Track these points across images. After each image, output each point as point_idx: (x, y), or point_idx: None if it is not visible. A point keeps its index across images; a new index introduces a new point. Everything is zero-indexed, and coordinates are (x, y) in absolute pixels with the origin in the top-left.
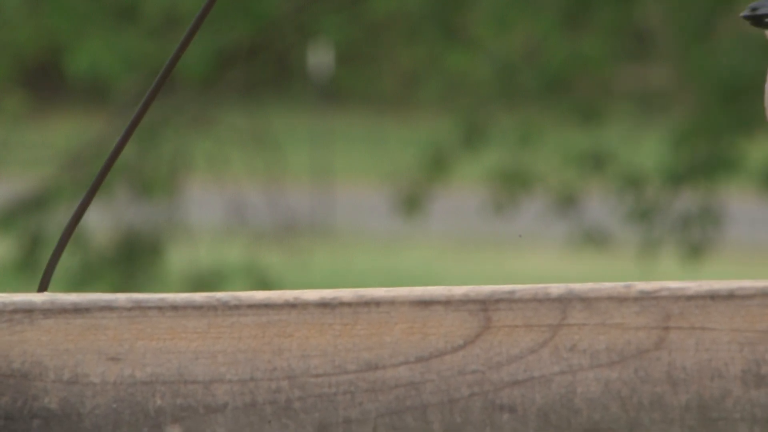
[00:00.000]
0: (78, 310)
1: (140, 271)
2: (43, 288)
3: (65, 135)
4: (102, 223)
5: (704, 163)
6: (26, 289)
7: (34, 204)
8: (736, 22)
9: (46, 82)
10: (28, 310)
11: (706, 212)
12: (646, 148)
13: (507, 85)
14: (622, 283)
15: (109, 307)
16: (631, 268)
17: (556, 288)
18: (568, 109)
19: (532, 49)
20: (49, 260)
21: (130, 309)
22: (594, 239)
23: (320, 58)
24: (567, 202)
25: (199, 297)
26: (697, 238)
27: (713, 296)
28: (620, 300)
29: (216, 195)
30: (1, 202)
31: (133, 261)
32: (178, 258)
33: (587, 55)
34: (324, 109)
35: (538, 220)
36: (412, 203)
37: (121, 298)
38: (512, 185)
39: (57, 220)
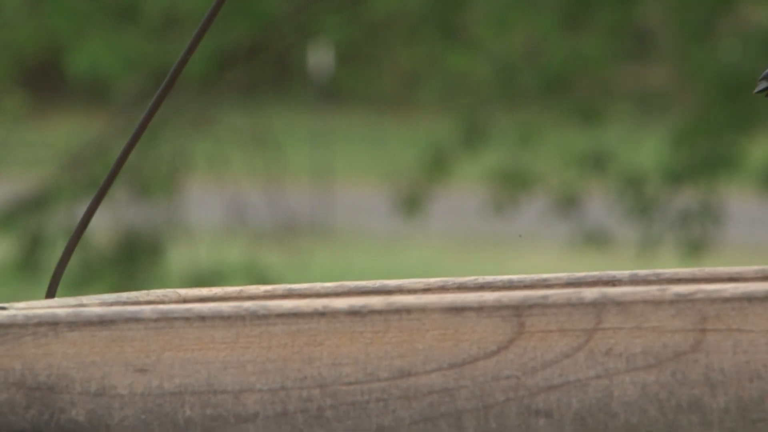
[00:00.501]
0: (103, 322)
1: (140, 271)
2: (50, 295)
3: (65, 135)
4: (102, 223)
5: (704, 162)
6: (26, 289)
7: (34, 204)
8: (735, 22)
9: (46, 82)
10: (53, 323)
11: (705, 209)
12: (646, 148)
13: (507, 85)
14: (656, 286)
15: (134, 319)
16: (631, 266)
17: (589, 292)
18: (568, 109)
19: (532, 49)
20: (56, 267)
21: (156, 320)
22: (595, 239)
23: (320, 58)
24: (567, 203)
25: (226, 307)
26: (697, 236)
27: (750, 298)
28: (655, 303)
29: (216, 195)
30: (1, 202)
31: (133, 261)
32: (178, 258)
33: (587, 55)
34: (324, 109)
35: (538, 220)
36: (412, 203)
37: (147, 309)
38: (512, 185)
39: (57, 220)
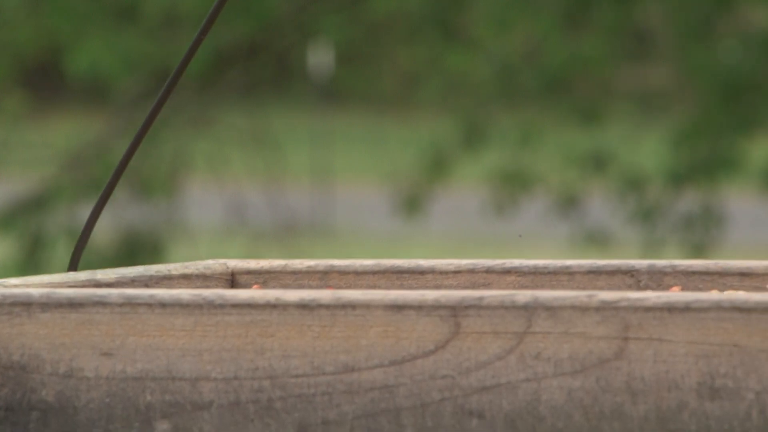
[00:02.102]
0: (73, 304)
1: None
2: (72, 268)
3: (65, 135)
4: (102, 223)
5: (705, 163)
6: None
7: (35, 204)
8: (735, 22)
9: (46, 82)
10: (26, 304)
11: (707, 212)
12: (647, 149)
13: (507, 86)
14: (585, 292)
15: (101, 303)
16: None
17: (522, 295)
18: (569, 110)
19: (532, 50)
20: (77, 242)
21: (121, 305)
22: (595, 239)
23: (320, 58)
24: (568, 203)
25: (186, 294)
26: (700, 238)
27: (670, 308)
28: (583, 309)
29: (216, 195)
30: (1, 202)
31: (133, 261)
32: (178, 258)
33: (587, 55)
34: (324, 109)
35: (538, 221)
36: (412, 203)
37: (114, 293)
38: (512, 185)
39: (57, 220)
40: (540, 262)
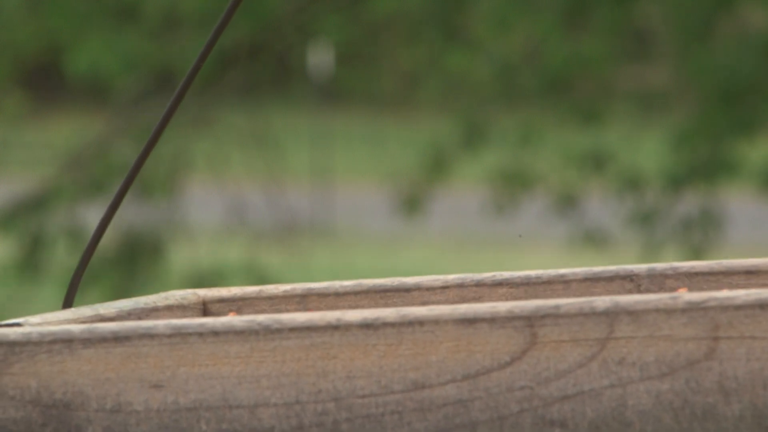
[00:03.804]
0: (118, 338)
1: (141, 271)
2: (67, 305)
3: (65, 135)
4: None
5: (704, 164)
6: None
7: (34, 204)
8: (735, 24)
9: (46, 82)
10: (68, 341)
11: (707, 214)
12: (647, 149)
13: (507, 86)
14: (668, 294)
15: (149, 335)
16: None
17: (601, 301)
18: (569, 110)
19: (532, 50)
20: (72, 278)
21: (170, 336)
22: (594, 239)
23: (320, 58)
24: (567, 203)
25: (238, 321)
26: (699, 240)
27: (762, 305)
28: (668, 312)
29: (216, 195)
30: (1, 203)
31: (133, 261)
32: (179, 258)
33: (587, 55)
34: (324, 109)
35: (538, 221)
36: (412, 203)
37: (161, 324)
38: (512, 185)
39: (57, 220)
40: (532, 273)
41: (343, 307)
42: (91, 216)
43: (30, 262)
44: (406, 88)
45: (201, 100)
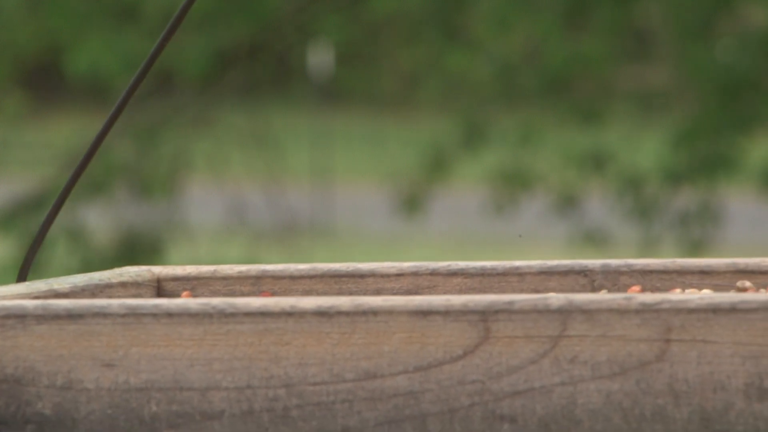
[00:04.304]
0: (71, 316)
1: None
2: (21, 279)
3: (65, 135)
4: (102, 223)
5: (704, 162)
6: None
7: (34, 204)
8: (735, 22)
9: (46, 82)
10: (21, 316)
11: (705, 210)
12: (646, 148)
13: (507, 86)
14: (622, 295)
15: (102, 314)
16: None
17: (556, 299)
18: (569, 110)
19: (532, 50)
20: (27, 252)
21: (124, 315)
22: (594, 239)
23: (320, 58)
24: (567, 203)
25: (194, 304)
26: (697, 236)
27: (715, 309)
28: (621, 312)
29: (216, 195)
30: (1, 202)
31: (133, 261)
32: (179, 258)
33: (587, 55)
34: (324, 109)
35: (538, 220)
36: (412, 203)
37: (115, 304)
38: (512, 185)
39: (57, 220)
40: (487, 264)
41: (297, 291)
42: (91, 216)
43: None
44: (406, 88)
45: (201, 100)
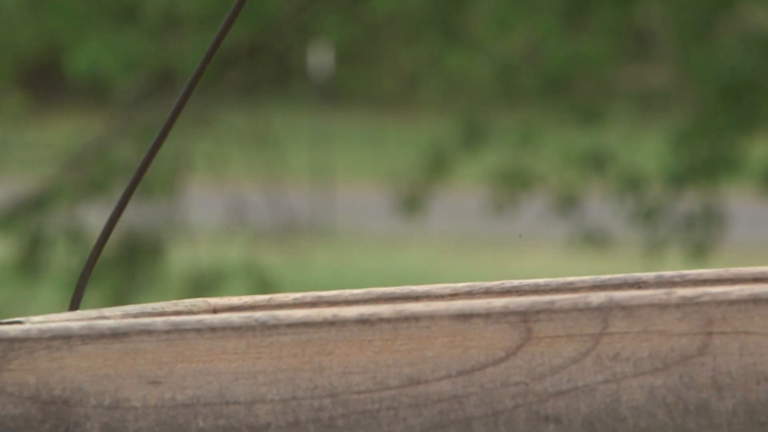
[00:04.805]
0: (116, 335)
1: (141, 271)
2: (74, 307)
3: (65, 135)
4: (102, 223)
5: (705, 163)
6: (27, 290)
7: (34, 204)
8: (736, 22)
9: (46, 82)
10: (66, 337)
11: (708, 212)
12: (647, 149)
13: (507, 86)
14: (662, 290)
15: (146, 331)
16: (632, 267)
17: (596, 297)
18: (569, 110)
19: (532, 50)
20: (78, 280)
21: (167, 332)
22: (594, 239)
23: (320, 58)
24: (567, 203)
25: (236, 318)
26: (701, 238)
27: (755, 300)
28: (661, 307)
29: (216, 195)
30: (1, 203)
31: (133, 261)
32: (179, 258)
33: (587, 55)
34: (324, 109)
35: (538, 220)
36: (412, 203)
37: (158, 321)
38: (512, 185)
39: (57, 220)
40: (540, 281)
41: None
42: (91, 216)
43: (30, 263)
44: (406, 88)
45: (201, 100)
